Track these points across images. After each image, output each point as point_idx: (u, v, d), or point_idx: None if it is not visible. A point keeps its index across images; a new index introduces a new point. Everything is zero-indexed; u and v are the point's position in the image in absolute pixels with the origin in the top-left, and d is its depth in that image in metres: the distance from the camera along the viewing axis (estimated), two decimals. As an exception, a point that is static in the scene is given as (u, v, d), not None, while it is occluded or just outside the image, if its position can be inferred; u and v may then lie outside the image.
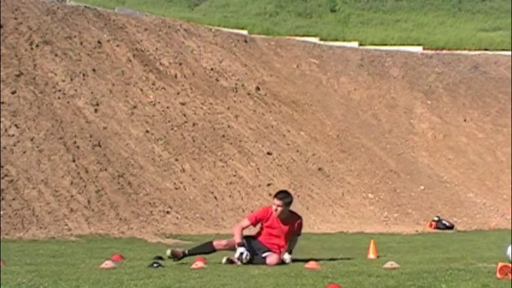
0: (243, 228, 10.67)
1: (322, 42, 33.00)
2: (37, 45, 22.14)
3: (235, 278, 8.39)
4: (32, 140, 18.86)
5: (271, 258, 10.58)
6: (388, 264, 9.77)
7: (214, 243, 10.79)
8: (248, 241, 10.71)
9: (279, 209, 10.77)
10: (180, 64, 25.61)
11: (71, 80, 21.69)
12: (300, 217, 11.18)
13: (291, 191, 22.33)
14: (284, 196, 10.95)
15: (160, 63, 25.04)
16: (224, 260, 10.36)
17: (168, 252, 10.50)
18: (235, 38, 29.68)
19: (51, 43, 22.58)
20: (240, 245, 10.41)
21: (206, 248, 10.82)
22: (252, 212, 11.06)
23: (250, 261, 10.47)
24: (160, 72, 24.60)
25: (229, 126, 23.94)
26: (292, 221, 10.90)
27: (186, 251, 10.62)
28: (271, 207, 10.90)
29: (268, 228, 10.71)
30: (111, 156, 19.84)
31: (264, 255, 10.63)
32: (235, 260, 10.36)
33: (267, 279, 8.40)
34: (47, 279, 8.13)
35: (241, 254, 10.34)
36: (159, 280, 8.19)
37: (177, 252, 10.53)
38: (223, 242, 10.76)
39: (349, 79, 30.71)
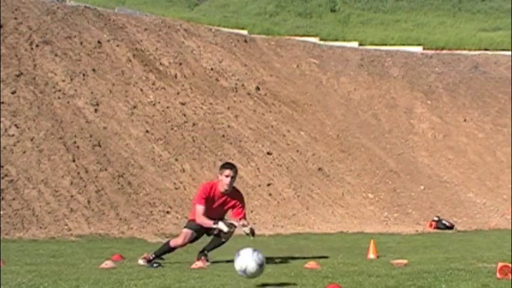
0: (203, 214, 10.55)
1: (322, 42, 32.98)
2: (37, 45, 22.14)
3: (235, 278, 8.39)
4: (32, 140, 18.87)
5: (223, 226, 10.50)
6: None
7: (171, 243, 10.70)
8: (191, 225, 10.67)
9: (230, 180, 10.59)
10: (180, 64, 25.61)
11: (71, 80, 21.69)
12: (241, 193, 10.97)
13: (291, 191, 22.49)
14: (234, 165, 10.85)
15: (160, 63, 25.04)
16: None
17: (141, 262, 10.34)
18: (235, 38, 29.68)
19: (51, 43, 22.58)
20: (216, 223, 10.39)
21: (166, 249, 10.71)
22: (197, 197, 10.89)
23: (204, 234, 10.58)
24: (160, 72, 24.60)
25: (229, 126, 23.94)
26: (233, 196, 10.75)
27: (153, 254, 10.51)
28: (209, 183, 10.90)
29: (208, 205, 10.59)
30: (111, 156, 19.84)
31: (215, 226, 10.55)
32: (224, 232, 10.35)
33: (266, 279, 8.40)
34: (47, 279, 8.13)
35: (225, 224, 10.31)
36: (159, 280, 8.20)
37: (148, 256, 10.45)
38: (180, 240, 10.63)
39: (349, 79, 30.71)
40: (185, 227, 10.86)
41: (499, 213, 24.95)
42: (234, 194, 10.76)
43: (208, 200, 10.55)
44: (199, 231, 10.67)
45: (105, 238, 16.22)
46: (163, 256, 10.74)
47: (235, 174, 10.72)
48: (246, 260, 7.87)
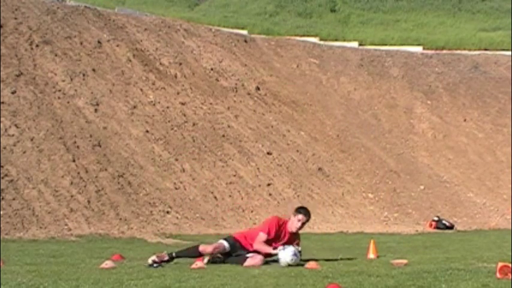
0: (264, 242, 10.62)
1: (322, 42, 33.01)
2: (37, 45, 22.14)
3: (235, 278, 8.39)
4: (32, 140, 18.87)
5: (255, 259, 10.47)
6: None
7: (201, 248, 10.60)
8: (231, 241, 10.66)
9: (301, 225, 10.74)
10: (180, 64, 25.62)
11: (71, 80, 21.70)
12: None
13: (290, 191, 22.49)
14: (309, 213, 10.96)
15: (160, 63, 25.04)
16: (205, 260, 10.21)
17: (150, 260, 10.09)
18: (235, 38, 29.68)
19: (51, 43, 22.59)
20: (276, 249, 10.43)
21: (192, 252, 10.58)
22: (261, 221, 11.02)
23: (228, 256, 10.48)
24: (160, 72, 24.60)
25: (229, 126, 23.94)
26: (296, 237, 10.87)
27: (174, 254, 10.41)
28: (281, 219, 10.88)
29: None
30: (111, 156, 19.84)
31: (248, 255, 10.55)
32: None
33: (267, 279, 8.41)
34: (47, 279, 8.13)
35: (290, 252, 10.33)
36: (159, 280, 8.19)
37: (163, 255, 10.32)
38: (209, 248, 10.54)
39: (349, 79, 30.72)
40: (223, 238, 10.82)
41: (499, 213, 24.96)
42: (296, 236, 10.90)
43: (275, 233, 10.64)
44: (234, 250, 10.59)
45: (105, 238, 16.21)
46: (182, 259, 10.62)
47: (307, 221, 10.89)
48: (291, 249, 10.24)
